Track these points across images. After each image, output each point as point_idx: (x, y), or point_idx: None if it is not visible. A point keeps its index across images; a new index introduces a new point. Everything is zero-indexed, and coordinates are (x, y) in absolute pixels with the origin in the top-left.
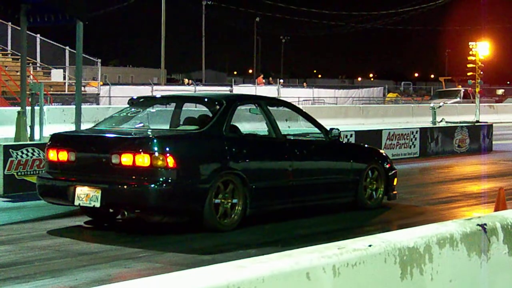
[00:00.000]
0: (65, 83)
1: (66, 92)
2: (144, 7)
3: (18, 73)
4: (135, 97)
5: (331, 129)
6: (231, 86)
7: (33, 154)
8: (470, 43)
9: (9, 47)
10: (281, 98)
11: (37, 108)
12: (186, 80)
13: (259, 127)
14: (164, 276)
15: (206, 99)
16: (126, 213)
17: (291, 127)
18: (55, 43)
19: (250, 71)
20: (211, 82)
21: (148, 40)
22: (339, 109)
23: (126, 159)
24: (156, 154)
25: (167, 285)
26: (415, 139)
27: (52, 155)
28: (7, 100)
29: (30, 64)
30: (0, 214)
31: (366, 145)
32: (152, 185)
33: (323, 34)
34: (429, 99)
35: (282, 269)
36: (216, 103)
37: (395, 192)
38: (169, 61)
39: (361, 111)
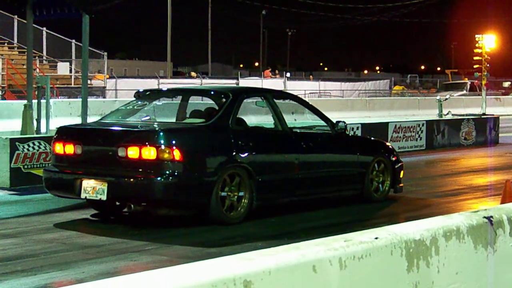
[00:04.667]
0: (71, 76)
1: (72, 85)
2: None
3: (25, 66)
4: (141, 90)
5: (337, 122)
6: (237, 79)
7: (40, 147)
8: (476, 35)
9: (16, 40)
10: (287, 91)
11: (43, 101)
12: (193, 73)
13: (266, 120)
14: (170, 269)
15: (212, 92)
16: (132, 206)
17: (297, 120)
18: (61, 36)
19: (256, 64)
20: (218, 75)
21: (154, 33)
22: (345, 102)
23: (133, 152)
24: (163, 147)
25: (174, 277)
26: (422, 132)
27: (59, 148)
28: (13, 93)
29: (36, 57)
30: (7, 207)
31: (372, 138)
32: (159, 178)
33: (329, 27)
34: (435, 92)
35: (288, 261)
36: (222, 96)
37: (401, 184)
38: (175, 54)
39: (368, 104)
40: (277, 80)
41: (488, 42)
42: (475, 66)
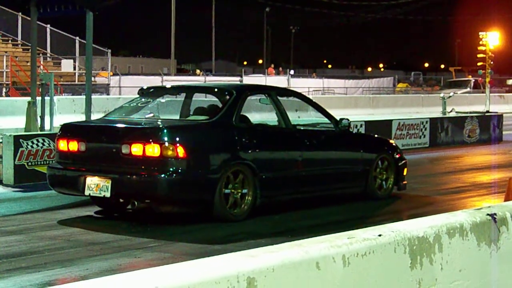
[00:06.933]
0: (75, 73)
1: (76, 82)
2: None
3: (28, 64)
4: (145, 87)
5: (341, 119)
6: (241, 76)
7: (44, 144)
8: (480, 33)
9: (19, 38)
10: (291, 88)
11: (47, 98)
12: (198, 71)
13: (269, 117)
14: (174, 266)
15: (216, 89)
16: (136, 203)
17: (301, 117)
18: (65, 33)
19: (260, 61)
20: (221, 72)
21: (158, 30)
22: (349, 99)
23: (136, 149)
24: (166, 144)
25: (177, 274)
26: (425, 129)
27: (63, 145)
28: (17, 90)
29: (40, 55)
30: (11, 204)
31: (376, 135)
32: (162, 175)
33: (333, 24)
34: (439, 89)
35: (292, 258)
36: (226, 93)
37: (405, 182)
38: (179, 52)
39: (371, 101)
40: (281, 78)
41: (492, 39)
42: (479, 64)
